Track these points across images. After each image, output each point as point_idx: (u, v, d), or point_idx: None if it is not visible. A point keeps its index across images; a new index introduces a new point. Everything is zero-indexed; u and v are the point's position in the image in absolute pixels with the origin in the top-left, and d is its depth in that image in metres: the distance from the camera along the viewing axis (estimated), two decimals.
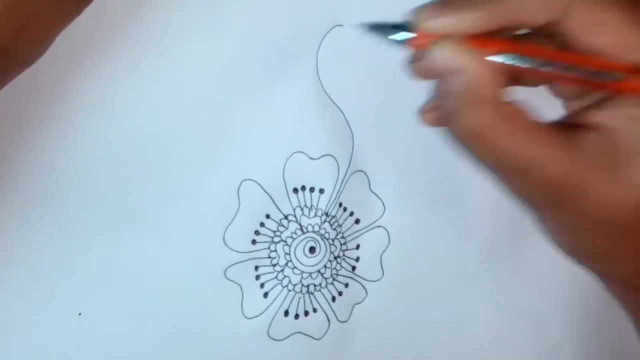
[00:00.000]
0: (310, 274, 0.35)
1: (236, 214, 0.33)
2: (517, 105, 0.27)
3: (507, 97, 0.26)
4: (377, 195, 0.35)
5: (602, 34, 0.26)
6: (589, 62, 0.26)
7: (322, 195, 0.34)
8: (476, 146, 0.27)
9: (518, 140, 0.27)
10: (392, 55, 0.34)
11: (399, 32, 0.26)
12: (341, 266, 0.35)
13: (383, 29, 0.27)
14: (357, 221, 0.35)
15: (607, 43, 0.26)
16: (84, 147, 0.32)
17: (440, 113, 0.28)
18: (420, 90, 0.34)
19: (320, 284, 0.35)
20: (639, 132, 0.27)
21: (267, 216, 0.34)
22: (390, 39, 0.27)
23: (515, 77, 0.29)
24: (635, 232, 0.28)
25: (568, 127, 0.28)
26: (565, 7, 0.26)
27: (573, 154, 0.27)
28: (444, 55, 0.26)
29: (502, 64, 0.26)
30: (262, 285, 0.34)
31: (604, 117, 0.27)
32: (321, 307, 0.35)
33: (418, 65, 0.28)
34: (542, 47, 0.27)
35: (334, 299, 0.35)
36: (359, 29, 0.27)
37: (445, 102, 0.27)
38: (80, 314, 0.33)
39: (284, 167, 0.33)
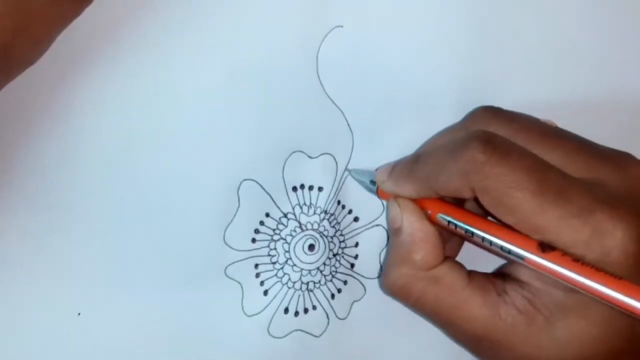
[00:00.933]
0: (309, 271, 0.35)
1: (236, 213, 0.33)
2: (446, 265, 0.31)
3: (437, 258, 0.31)
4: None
5: (508, 216, 0.28)
6: (503, 235, 0.29)
7: (321, 194, 0.34)
8: (403, 300, 0.32)
9: (440, 302, 0.31)
10: (391, 56, 0.34)
11: (373, 184, 0.33)
12: (340, 264, 0.35)
13: (364, 177, 0.34)
14: (356, 219, 0.35)
15: (515, 223, 0.28)
16: (84, 147, 0.31)
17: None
18: (420, 91, 0.34)
19: (319, 282, 0.35)
20: (553, 296, 0.29)
21: (267, 215, 0.34)
22: (367, 186, 0.34)
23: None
24: None
25: (501, 277, 0.31)
26: (471, 192, 0.29)
27: (494, 314, 0.30)
28: (392, 214, 0.32)
29: (439, 229, 0.31)
30: (262, 283, 0.34)
31: (529, 275, 0.30)
32: (320, 304, 0.35)
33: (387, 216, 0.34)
34: (468, 213, 0.30)
35: (333, 296, 0.35)
36: (348, 173, 0.34)
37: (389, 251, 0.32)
38: (79, 313, 0.33)
39: (284, 166, 0.34)
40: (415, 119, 0.34)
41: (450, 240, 0.33)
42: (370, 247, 0.36)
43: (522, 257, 0.29)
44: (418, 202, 0.31)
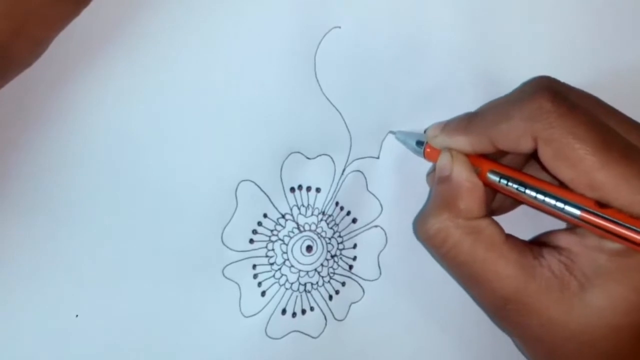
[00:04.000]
0: (307, 272, 0.35)
1: (234, 213, 0.33)
2: (488, 220, 0.31)
3: (481, 211, 0.30)
4: (374, 196, 0.35)
5: (567, 169, 0.28)
6: (556, 191, 0.29)
7: (319, 195, 0.34)
8: (436, 247, 0.31)
9: (476, 253, 0.30)
10: (388, 57, 0.34)
11: (419, 145, 0.33)
12: (338, 265, 0.35)
13: (409, 139, 0.33)
14: (354, 220, 0.35)
15: (573, 178, 0.28)
16: (82, 147, 0.32)
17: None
18: (417, 92, 0.34)
19: (317, 283, 0.35)
20: (594, 260, 0.29)
21: (265, 215, 0.34)
22: (415, 148, 0.33)
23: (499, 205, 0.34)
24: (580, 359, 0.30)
25: (537, 244, 0.31)
26: (532, 142, 0.29)
27: (528, 275, 0.30)
28: (442, 163, 0.31)
29: (487, 184, 0.31)
30: (259, 284, 0.34)
31: (567, 240, 0.30)
32: (318, 305, 0.35)
33: (432, 176, 0.34)
34: (521, 172, 0.31)
35: (330, 297, 0.35)
36: (393, 135, 0.34)
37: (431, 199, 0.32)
38: (77, 315, 0.33)
39: (282, 167, 0.34)
40: (413, 119, 0.34)
41: (491, 204, 0.33)
42: (368, 248, 0.36)
43: (577, 214, 0.28)
44: (470, 159, 0.31)
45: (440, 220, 0.31)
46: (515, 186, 0.30)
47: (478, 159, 0.31)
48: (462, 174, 0.31)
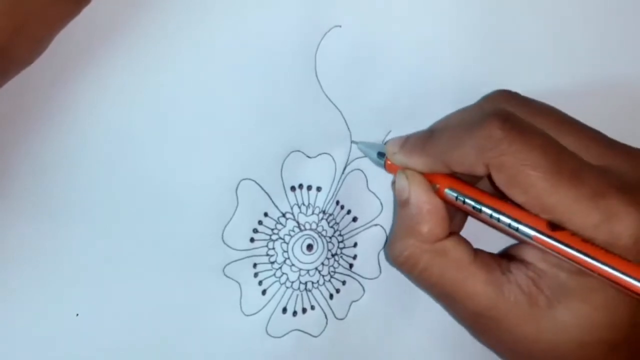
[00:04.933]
0: (307, 271, 0.35)
1: (234, 212, 0.33)
2: (453, 239, 0.31)
3: (443, 231, 0.31)
4: (374, 194, 0.35)
5: (520, 194, 0.28)
6: (513, 212, 0.29)
7: (320, 193, 0.34)
8: (408, 272, 0.32)
9: (445, 274, 0.31)
10: (389, 56, 0.34)
11: (380, 156, 0.33)
12: (338, 264, 0.35)
13: (371, 151, 0.33)
14: (354, 219, 0.35)
15: (525, 202, 0.28)
16: (82, 146, 0.32)
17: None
18: (418, 90, 0.34)
19: (317, 282, 0.35)
20: (557, 277, 0.29)
21: (265, 214, 0.34)
22: (375, 159, 0.33)
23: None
24: None
25: (506, 258, 0.31)
26: (485, 168, 0.29)
27: (497, 291, 0.30)
28: (400, 185, 0.31)
29: (445, 203, 0.31)
30: (260, 283, 0.34)
31: (533, 255, 0.30)
32: (319, 304, 0.35)
33: (394, 187, 0.33)
34: (477, 190, 0.30)
35: (331, 296, 0.35)
36: (355, 146, 0.34)
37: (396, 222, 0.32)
38: (77, 314, 0.33)
39: (282, 165, 0.34)
40: (414, 118, 0.34)
41: (454, 217, 0.33)
42: (369, 247, 0.36)
43: (530, 235, 0.28)
44: (426, 176, 0.31)
45: (407, 247, 0.31)
46: (472, 204, 0.30)
47: (436, 176, 0.31)
48: (420, 196, 0.31)
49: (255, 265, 0.34)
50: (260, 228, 0.34)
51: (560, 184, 0.27)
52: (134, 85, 0.31)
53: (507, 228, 0.29)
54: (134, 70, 0.31)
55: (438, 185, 0.31)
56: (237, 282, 0.34)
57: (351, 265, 0.36)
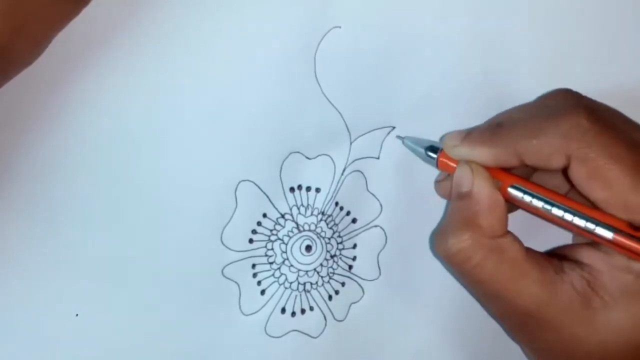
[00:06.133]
0: (306, 272, 0.35)
1: (233, 213, 0.33)
2: (509, 237, 0.30)
3: (503, 228, 0.29)
4: (374, 196, 0.35)
5: (601, 190, 0.28)
6: (586, 212, 0.28)
7: (319, 195, 0.34)
8: (458, 265, 0.30)
9: (499, 272, 0.30)
10: (389, 57, 0.34)
11: (431, 151, 0.32)
12: (338, 265, 0.35)
13: (420, 145, 0.32)
14: (354, 220, 0.35)
15: (606, 199, 0.28)
16: (81, 147, 0.32)
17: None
18: (418, 91, 0.34)
19: (316, 282, 0.35)
20: (620, 279, 0.28)
21: (264, 215, 0.34)
22: (425, 155, 0.32)
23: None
24: None
25: (557, 257, 0.30)
26: (565, 159, 0.28)
27: (550, 291, 0.29)
28: (461, 177, 0.30)
29: (507, 199, 0.30)
30: (259, 283, 0.34)
31: (590, 257, 0.29)
32: (318, 305, 0.35)
33: (442, 185, 0.33)
34: (545, 189, 0.29)
35: (330, 297, 0.35)
36: (401, 140, 0.33)
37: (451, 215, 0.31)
38: (77, 314, 0.33)
39: (281, 166, 0.34)
40: (414, 119, 0.34)
41: None
42: (368, 248, 0.36)
43: (608, 237, 0.28)
44: (489, 171, 0.30)
45: (462, 240, 0.30)
46: (541, 204, 0.29)
47: (498, 172, 0.30)
48: (484, 189, 0.30)
49: (254, 265, 0.34)
50: (259, 229, 0.34)
51: None
52: (133, 85, 0.31)
53: (578, 229, 0.28)
54: (134, 71, 0.31)
55: (501, 183, 0.30)
56: (236, 282, 0.34)
57: (350, 267, 0.35)
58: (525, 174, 0.32)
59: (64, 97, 0.31)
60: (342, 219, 0.35)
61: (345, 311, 0.36)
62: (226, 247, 0.34)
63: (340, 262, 0.35)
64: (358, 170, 0.35)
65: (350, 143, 0.34)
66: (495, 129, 0.30)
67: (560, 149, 0.28)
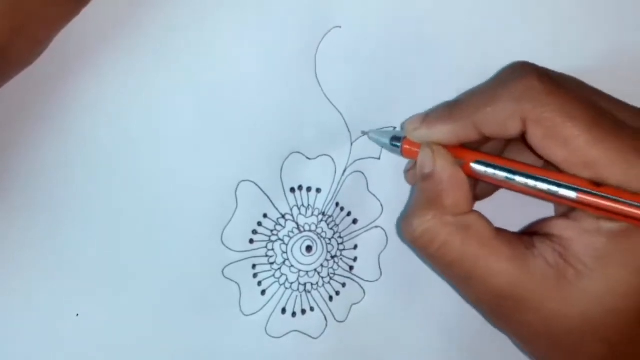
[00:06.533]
0: (307, 272, 0.35)
1: (234, 214, 0.33)
2: (475, 214, 0.29)
3: (468, 205, 0.29)
4: (375, 196, 0.35)
5: (559, 149, 0.27)
6: (548, 175, 0.28)
7: (319, 195, 0.34)
8: (424, 247, 0.30)
9: (467, 250, 0.29)
10: (389, 57, 0.34)
11: (395, 140, 0.32)
12: (338, 266, 0.35)
13: (384, 137, 0.32)
14: (354, 221, 0.35)
15: (565, 158, 0.27)
16: (81, 147, 0.32)
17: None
18: (418, 91, 0.34)
19: (317, 283, 0.35)
20: (591, 244, 0.28)
21: (265, 215, 0.34)
22: (390, 146, 0.32)
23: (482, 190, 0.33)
24: (579, 351, 0.29)
25: (527, 234, 0.30)
26: (521, 123, 0.28)
27: (522, 268, 0.28)
28: (423, 159, 0.30)
29: (472, 176, 0.30)
30: (259, 283, 0.34)
31: (560, 227, 0.29)
32: (318, 306, 0.35)
33: (410, 174, 0.33)
34: (507, 159, 0.29)
35: (331, 298, 0.35)
36: (364, 135, 0.33)
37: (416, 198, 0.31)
38: (77, 314, 0.33)
39: (282, 167, 0.34)
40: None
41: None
42: (369, 249, 0.36)
43: (573, 197, 0.27)
44: (451, 151, 0.30)
45: (426, 220, 0.29)
46: (504, 174, 0.29)
47: (460, 150, 0.30)
48: (446, 169, 0.29)
49: (254, 266, 0.34)
50: (259, 229, 0.34)
51: (603, 136, 0.27)
52: (133, 85, 0.31)
53: (544, 194, 0.28)
54: (134, 71, 0.31)
55: (463, 161, 0.30)
56: (236, 283, 0.34)
57: (351, 268, 0.35)
58: (495, 151, 0.32)
59: (64, 97, 0.31)
60: (342, 219, 0.35)
61: (346, 312, 0.35)
62: (227, 247, 0.34)
63: (341, 263, 0.35)
64: (359, 171, 0.35)
65: (351, 143, 0.34)
66: (452, 105, 0.30)
67: (515, 113, 0.28)
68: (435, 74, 0.34)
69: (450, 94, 0.34)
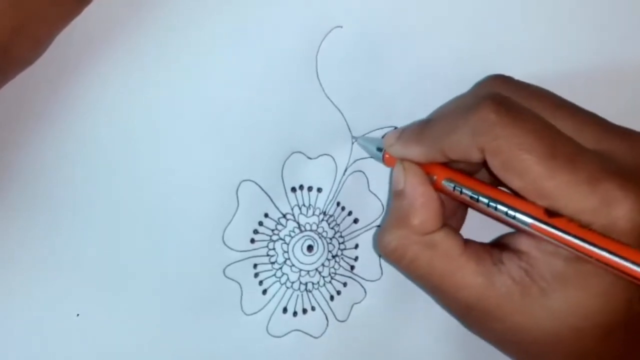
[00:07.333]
0: (308, 272, 0.35)
1: (235, 213, 0.33)
2: (443, 232, 0.30)
3: (435, 224, 0.30)
4: (375, 196, 0.35)
5: (516, 179, 0.28)
6: (510, 200, 0.29)
7: (320, 195, 0.34)
8: (395, 262, 0.31)
9: (434, 267, 0.30)
10: (390, 57, 0.34)
11: (379, 151, 0.33)
12: (339, 265, 0.35)
13: (370, 145, 0.34)
14: (355, 221, 0.35)
15: (522, 188, 0.28)
16: (82, 147, 0.32)
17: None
18: (419, 91, 0.34)
19: (318, 283, 0.35)
20: (551, 265, 0.29)
21: (266, 215, 0.34)
22: (374, 153, 0.33)
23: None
24: (545, 358, 0.30)
25: (499, 247, 0.31)
26: (480, 153, 0.28)
27: (488, 283, 0.29)
28: (396, 176, 0.31)
29: (443, 195, 0.31)
30: (260, 283, 0.34)
31: (526, 244, 0.30)
32: (319, 305, 0.35)
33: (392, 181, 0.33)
34: (475, 180, 0.30)
35: (332, 297, 0.35)
36: (356, 145, 0.34)
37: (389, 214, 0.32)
38: (78, 314, 0.33)
39: (283, 166, 0.34)
40: (415, 119, 0.34)
41: (455, 215, 0.33)
42: (370, 249, 0.36)
43: (528, 223, 0.28)
44: (424, 168, 0.31)
45: (397, 237, 0.31)
46: (470, 194, 0.30)
47: (433, 167, 0.31)
48: (415, 188, 0.30)
49: (255, 265, 0.34)
50: (260, 229, 0.34)
51: (556, 168, 0.27)
52: (133, 85, 0.31)
53: (504, 217, 0.29)
54: (134, 71, 0.31)
55: (435, 177, 0.31)
56: (237, 282, 0.34)
57: (352, 267, 0.35)
58: (473, 168, 0.32)
59: (65, 97, 0.31)
60: (343, 219, 0.35)
61: (347, 311, 0.35)
62: (228, 247, 0.34)
63: (342, 263, 0.35)
64: (359, 170, 0.35)
65: (352, 143, 0.34)
66: (423, 126, 0.31)
67: (473, 144, 0.28)
68: (436, 74, 0.34)
69: (450, 94, 0.34)
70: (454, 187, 0.30)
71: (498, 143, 0.28)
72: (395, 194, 0.31)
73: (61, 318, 0.32)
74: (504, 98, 0.29)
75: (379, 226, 0.35)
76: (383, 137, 0.33)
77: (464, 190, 0.30)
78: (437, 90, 0.34)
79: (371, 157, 0.34)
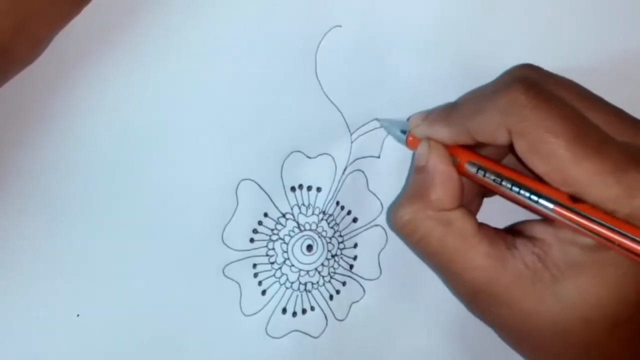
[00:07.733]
0: (307, 271, 0.35)
1: (234, 213, 0.33)
2: (460, 211, 0.30)
3: (453, 203, 0.30)
4: (375, 195, 0.35)
5: (541, 163, 0.28)
6: (533, 184, 0.29)
7: (320, 194, 0.34)
8: (407, 236, 0.31)
9: (446, 244, 0.30)
10: (389, 56, 0.34)
11: (403, 133, 0.33)
12: (339, 264, 0.35)
13: (394, 127, 0.33)
14: (354, 220, 0.35)
15: (547, 172, 0.28)
16: (82, 147, 0.32)
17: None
18: (418, 90, 0.34)
19: (317, 282, 0.35)
20: (567, 254, 0.29)
21: (265, 214, 0.34)
22: (397, 135, 0.33)
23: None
24: (547, 350, 0.30)
25: (512, 234, 0.31)
26: (507, 135, 0.28)
27: (499, 266, 0.29)
28: (420, 152, 0.31)
29: (466, 175, 0.31)
30: (260, 283, 0.34)
31: (542, 231, 0.30)
32: (319, 305, 0.35)
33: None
34: (498, 164, 0.30)
35: (331, 297, 0.35)
36: (356, 144, 0.34)
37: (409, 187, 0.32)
38: (78, 315, 0.33)
39: (282, 166, 0.34)
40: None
41: (471, 204, 0.33)
42: (369, 248, 0.36)
43: (550, 208, 0.28)
44: (449, 150, 0.31)
45: (411, 211, 0.31)
46: (492, 177, 0.30)
47: (458, 150, 0.31)
48: (437, 164, 0.30)
49: (255, 265, 0.34)
50: (260, 228, 0.34)
51: (583, 155, 0.27)
52: (133, 85, 0.31)
53: (526, 201, 0.29)
54: (134, 71, 0.31)
55: (459, 160, 0.31)
56: (236, 282, 0.34)
57: (351, 266, 0.35)
58: (498, 155, 0.33)
59: (64, 97, 0.31)
60: (343, 218, 0.35)
61: (346, 311, 0.36)
62: (227, 246, 0.34)
63: (341, 262, 0.35)
64: (359, 170, 0.35)
65: (351, 142, 0.34)
66: (451, 108, 0.31)
67: (500, 125, 0.28)
68: (436, 74, 0.34)
69: (450, 94, 0.34)
70: (477, 170, 0.30)
71: (526, 125, 0.28)
72: (417, 169, 0.31)
73: (61, 318, 0.32)
74: (534, 82, 0.29)
75: (386, 237, 0.36)
76: (408, 119, 0.33)
77: (487, 174, 0.30)
78: (436, 90, 0.34)
79: (395, 139, 0.34)
